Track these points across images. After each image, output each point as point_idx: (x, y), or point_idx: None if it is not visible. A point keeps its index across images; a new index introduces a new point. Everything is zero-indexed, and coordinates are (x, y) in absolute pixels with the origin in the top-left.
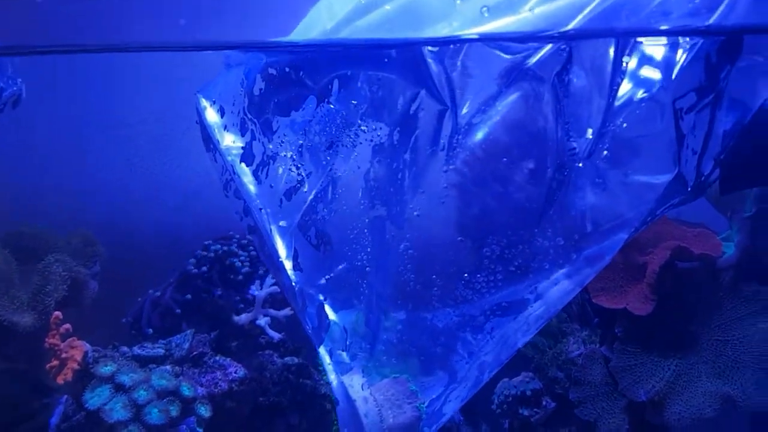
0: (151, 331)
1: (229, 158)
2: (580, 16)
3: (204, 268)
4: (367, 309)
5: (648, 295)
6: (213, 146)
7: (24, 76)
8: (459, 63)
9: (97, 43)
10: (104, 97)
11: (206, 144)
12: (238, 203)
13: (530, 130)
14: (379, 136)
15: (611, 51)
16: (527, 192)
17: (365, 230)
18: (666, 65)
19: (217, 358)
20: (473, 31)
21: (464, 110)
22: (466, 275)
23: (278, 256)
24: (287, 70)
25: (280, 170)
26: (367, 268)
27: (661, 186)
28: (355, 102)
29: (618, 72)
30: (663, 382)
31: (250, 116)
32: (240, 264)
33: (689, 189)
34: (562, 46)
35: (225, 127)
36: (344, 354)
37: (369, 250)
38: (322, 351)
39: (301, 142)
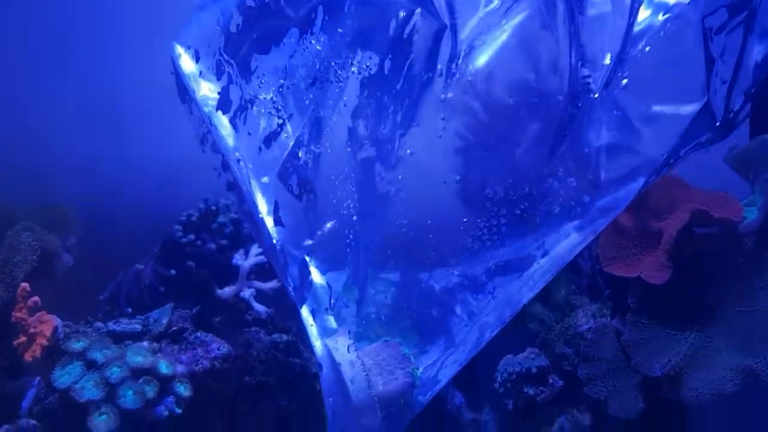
0: (130, 310)
1: (206, 109)
2: None
3: (191, 236)
4: (354, 263)
5: (664, 263)
6: (188, 97)
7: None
8: None
9: None
10: (82, 63)
11: (181, 96)
12: (216, 159)
13: (540, 54)
14: (368, 67)
15: None
16: (536, 125)
17: (352, 174)
18: None
19: (199, 334)
20: None
21: (465, 32)
22: (465, 220)
23: (258, 212)
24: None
25: (260, 115)
26: (355, 218)
27: (687, 118)
28: (341, 30)
29: None
30: (680, 355)
31: (226, 57)
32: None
33: (717, 124)
34: None
35: (201, 74)
36: (330, 317)
37: (356, 197)
38: (305, 312)
39: (281, 81)
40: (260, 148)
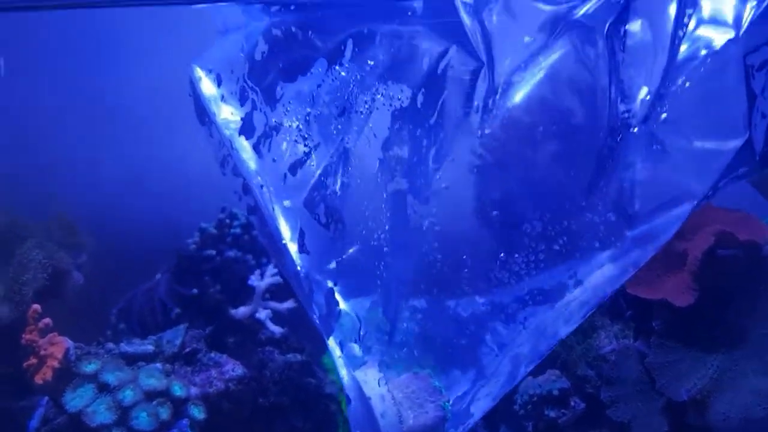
0: (141, 330)
1: (227, 132)
2: None
3: (211, 251)
4: (385, 295)
5: (690, 285)
6: (208, 120)
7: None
8: (495, 15)
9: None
10: (87, 74)
11: (200, 118)
12: (238, 182)
13: (580, 88)
14: (399, 99)
15: (672, 2)
16: (575, 160)
17: (383, 206)
18: (734, 19)
19: (212, 355)
20: None
21: (502, 68)
22: (502, 255)
23: (281, 238)
24: (294, 29)
25: (285, 143)
26: (385, 249)
27: (729, 153)
28: (372, 63)
29: (680, 24)
30: (706, 378)
31: (250, 84)
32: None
33: (757, 158)
34: None
35: (222, 98)
36: (357, 346)
37: (387, 228)
38: (332, 343)
39: (308, 110)
40: (285, 175)
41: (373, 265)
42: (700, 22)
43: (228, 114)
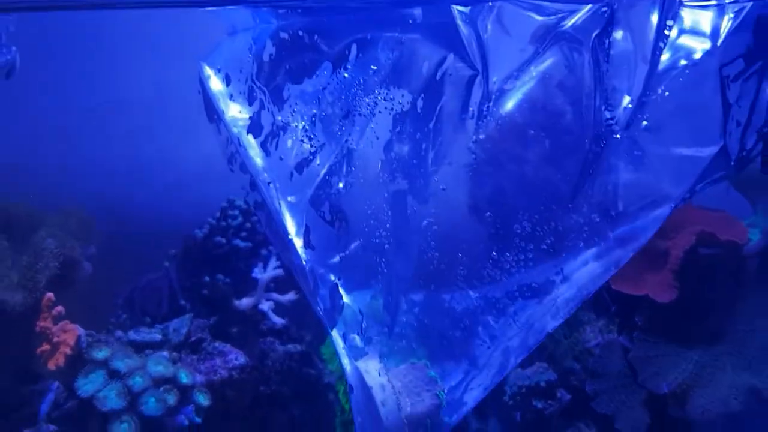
0: (148, 319)
1: (235, 129)
2: None
3: (219, 239)
4: (385, 290)
5: (671, 282)
6: (217, 117)
7: (17, 45)
8: (490, 25)
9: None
10: (99, 71)
11: (209, 115)
12: (244, 178)
13: (567, 97)
14: (400, 104)
15: (654, 14)
16: (562, 164)
17: (384, 205)
18: (712, 30)
19: (217, 344)
20: None
21: (496, 76)
22: (494, 253)
23: (287, 233)
24: (300, 33)
25: (291, 142)
26: (386, 246)
27: (705, 159)
28: (375, 67)
29: (661, 36)
30: (686, 373)
31: (258, 84)
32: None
33: (732, 163)
34: (603, 8)
35: (231, 97)
36: (358, 338)
37: (388, 226)
38: (335, 334)
39: (314, 111)
40: (291, 173)
41: (374, 260)
42: (681, 32)
43: (236, 112)
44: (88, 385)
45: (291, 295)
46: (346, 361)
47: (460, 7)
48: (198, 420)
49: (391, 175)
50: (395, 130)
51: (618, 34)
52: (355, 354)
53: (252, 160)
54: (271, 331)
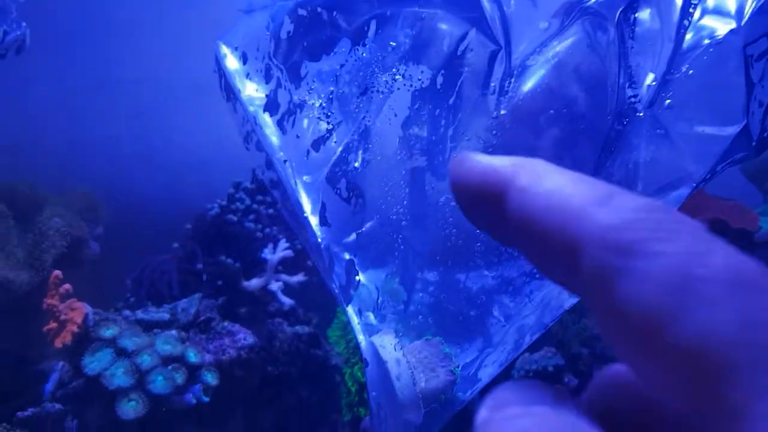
0: (157, 299)
1: (251, 108)
2: None
3: (232, 216)
4: (402, 267)
5: None
6: (233, 96)
7: (27, 22)
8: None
9: None
10: (108, 52)
11: (226, 94)
12: (258, 157)
13: (591, 73)
14: (419, 80)
15: None
16: (583, 142)
17: (402, 182)
18: (737, 8)
19: (225, 324)
20: None
21: (518, 52)
22: None
23: (303, 211)
24: (319, 10)
25: (307, 120)
26: (403, 223)
27: (728, 139)
28: (394, 44)
29: (686, 13)
30: None
31: (276, 62)
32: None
33: (753, 143)
34: None
35: (247, 75)
36: (373, 315)
37: (405, 203)
38: (350, 310)
39: (331, 89)
40: (308, 152)
41: (391, 238)
42: (704, 12)
43: (252, 91)
44: (95, 363)
45: (300, 277)
46: (361, 337)
47: None
48: (206, 399)
49: (409, 152)
50: (414, 107)
51: (643, 11)
52: (370, 330)
53: (268, 139)
54: (279, 312)
